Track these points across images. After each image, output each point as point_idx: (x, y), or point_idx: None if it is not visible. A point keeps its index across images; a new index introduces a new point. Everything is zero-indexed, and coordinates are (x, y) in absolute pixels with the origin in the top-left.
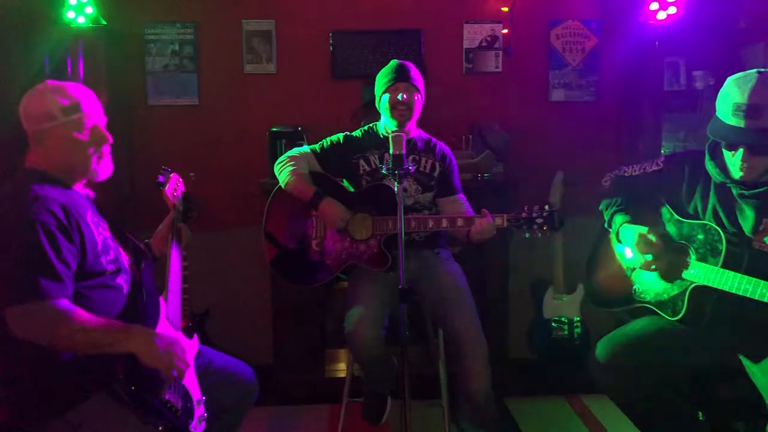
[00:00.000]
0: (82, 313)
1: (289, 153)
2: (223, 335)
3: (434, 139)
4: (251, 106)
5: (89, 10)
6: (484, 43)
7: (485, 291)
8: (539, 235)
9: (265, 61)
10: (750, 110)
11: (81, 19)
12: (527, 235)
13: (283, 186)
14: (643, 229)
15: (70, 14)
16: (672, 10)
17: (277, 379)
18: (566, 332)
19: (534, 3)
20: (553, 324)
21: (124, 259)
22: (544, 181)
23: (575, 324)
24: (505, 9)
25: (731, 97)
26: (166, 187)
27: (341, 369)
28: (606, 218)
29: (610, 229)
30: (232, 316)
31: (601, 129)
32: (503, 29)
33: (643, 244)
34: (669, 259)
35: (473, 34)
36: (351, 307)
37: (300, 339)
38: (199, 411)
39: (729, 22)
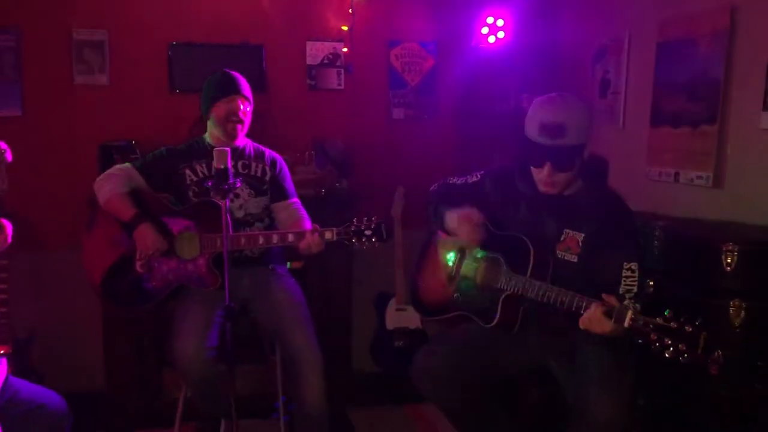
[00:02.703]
0: None
1: (110, 170)
2: (50, 362)
3: (262, 147)
4: (82, 119)
5: None
6: (326, 61)
7: (329, 304)
8: (366, 245)
9: (97, 72)
10: (555, 129)
11: None
12: (356, 245)
13: (102, 206)
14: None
15: None
16: (501, 34)
17: (110, 404)
18: (408, 342)
19: (373, 24)
20: (395, 335)
21: None
22: (387, 195)
23: (416, 334)
24: (345, 28)
25: (537, 118)
26: None
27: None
28: (432, 213)
29: (436, 219)
30: (60, 341)
31: (439, 146)
32: (344, 48)
33: (468, 215)
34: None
35: (315, 52)
36: (177, 328)
37: (136, 361)
38: None
39: (549, 50)
